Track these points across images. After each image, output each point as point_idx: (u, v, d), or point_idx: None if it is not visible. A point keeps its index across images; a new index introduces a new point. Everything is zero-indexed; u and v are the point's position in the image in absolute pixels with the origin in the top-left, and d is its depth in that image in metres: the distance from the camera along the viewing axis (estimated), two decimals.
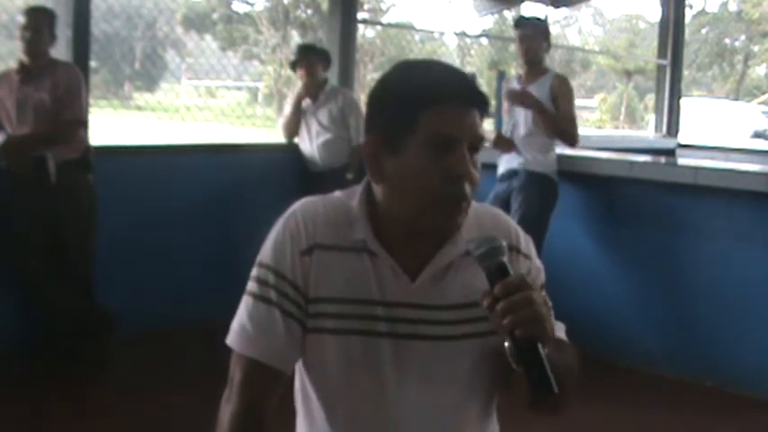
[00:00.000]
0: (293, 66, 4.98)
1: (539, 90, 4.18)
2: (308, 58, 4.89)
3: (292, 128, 5.00)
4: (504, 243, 1.26)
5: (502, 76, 4.84)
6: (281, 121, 5.13)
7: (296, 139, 5.03)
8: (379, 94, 1.34)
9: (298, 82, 5.01)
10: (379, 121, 1.32)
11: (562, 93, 4.20)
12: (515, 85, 4.30)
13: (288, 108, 5.07)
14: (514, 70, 4.47)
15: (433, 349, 1.33)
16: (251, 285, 1.35)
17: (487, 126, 6.13)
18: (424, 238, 1.33)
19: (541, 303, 1.22)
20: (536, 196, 4.16)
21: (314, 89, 4.89)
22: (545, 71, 4.28)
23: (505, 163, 4.30)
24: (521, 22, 4.49)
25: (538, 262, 1.43)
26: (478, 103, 1.30)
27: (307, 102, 4.94)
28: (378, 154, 1.30)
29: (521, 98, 4.16)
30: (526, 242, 1.42)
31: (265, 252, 1.35)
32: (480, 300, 1.23)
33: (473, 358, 1.34)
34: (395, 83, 1.33)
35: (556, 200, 4.23)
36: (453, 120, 1.27)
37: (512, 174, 4.26)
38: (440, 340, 1.34)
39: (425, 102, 1.27)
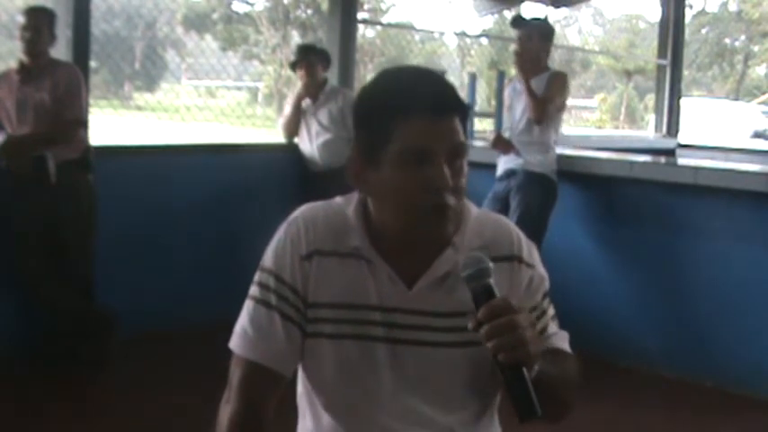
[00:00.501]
0: (293, 66, 4.98)
1: (536, 86, 4.17)
2: (308, 58, 4.89)
3: (292, 128, 5.00)
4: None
5: (502, 75, 4.84)
6: (281, 121, 5.13)
7: (296, 139, 5.03)
8: (357, 107, 1.33)
9: (298, 82, 5.00)
10: (360, 135, 1.31)
11: (551, 82, 4.18)
12: (517, 86, 4.29)
13: (288, 108, 5.07)
14: (515, 70, 4.43)
15: (430, 355, 1.33)
16: (253, 289, 1.36)
17: (488, 126, 6.14)
18: (419, 246, 1.32)
19: (526, 326, 1.21)
20: (535, 196, 4.15)
21: (314, 89, 4.89)
22: (545, 69, 4.26)
23: (504, 163, 4.30)
24: (517, 22, 4.44)
25: (541, 270, 1.41)
26: (452, 108, 1.27)
27: (307, 102, 4.93)
28: (360, 168, 1.30)
29: (500, 145, 4.23)
30: (529, 250, 1.40)
31: (267, 257, 1.36)
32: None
33: (470, 365, 1.34)
34: (368, 96, 1.32)
35: (555, 200, 4.23)
36: (425, 131, 1.24)
37: (510, 174, 4.25)
38: (437, 347, 1.33)
39: (395, 115, 1.25)
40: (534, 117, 4.15)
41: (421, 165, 1.24)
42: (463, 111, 1.28)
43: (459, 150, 1.27)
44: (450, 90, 1.29)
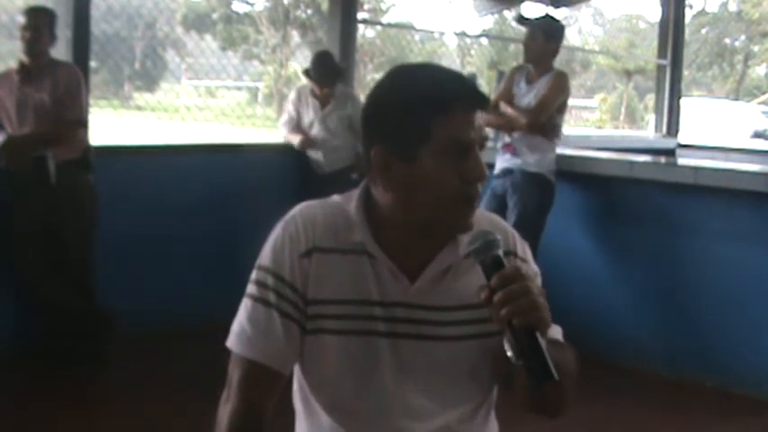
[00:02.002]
0: (307, 74, 4.94)
1: (538, 89, 4.15)
2: (331, 80, 4.84)
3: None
4: (499, 236, 1.28)
5: (502, 76, 4.83)
6: (295, 140, 5.02)
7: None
8: (384, 104, 1.33)
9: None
10: (388, 131, 1.31)
11: (551, 83, 4.14)
12: (522, 83, 4.25)
13: (295, 140, 4.97)
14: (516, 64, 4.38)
15: (432, 349, 1.34)
16: (250, 288, 1.36)
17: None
18: (424, 240, 1.34)
19: (538, 293, 1.23)
20: (532, 197, 4.13)
21: (326, 97, 4.89)
22: (550, 69, 4.21)
23: (502, 162, 4.26)
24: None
25: (535, 267, 1.44)
26: (482, 102, 1.32)
27: (315, 105, 4.92)
28: (389, 163, 1.30)
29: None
30: (523, 247, 1.44)
31: (265, 255, 1.36)
32: (477, 293, 1.24)
33: (472, 359, 1.35)
34: (399, 92, 1.33)
35: (552, 201, 4.21)
36: (464, 124, 1.29)
37: (507, 172, 4.23)
38: (439, 341, 1.34)
39: (436, 110, 1.28)
40: (525, 124, 4.10)
41: (461, 158, 1.28)
42: (486, 105, 1.34)
43: (484, 143, 1.32)
44: (474, 83, 1.37)
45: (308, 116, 4.96)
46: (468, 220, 1.31)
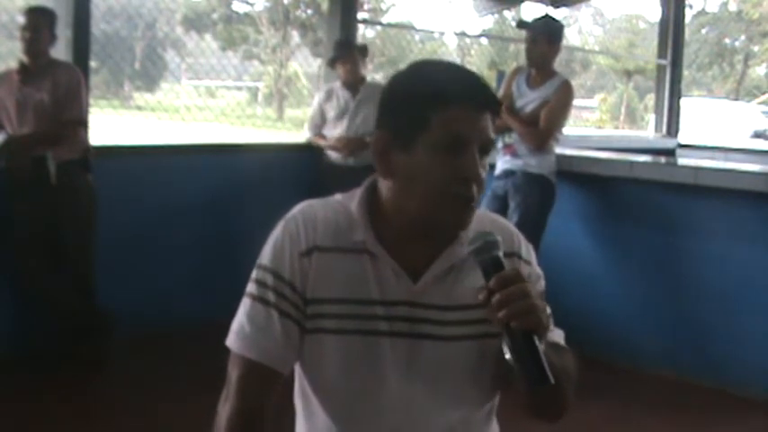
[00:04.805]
0: (332, 62, 4.94)
1: (542, 95, 4.14)
2: (352, 53, 4.84)
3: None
4: (499, 237, 1.27)
5: (502, 75, 4.82)
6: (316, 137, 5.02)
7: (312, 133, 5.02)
8: (392, 92, 1.34)
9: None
10: (391, 119, 1.33)
11: (557, 96, 4.11)
12: (523, 83, 4.25)
13: (321, 141, 4.97)
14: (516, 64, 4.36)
15: (433, 349, 1.34)
16: (250, 287, 1.36)
17: None
18: (427, 239, 1.33)
19: (537, 296, 1.23)
20: (534, 198, 4.13)
21: (355, 84, 4.86)
22: (552, 74, 4.18)
23: (503, 163, 4.26)
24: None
25: (538, 269, 1.44)
26: (491, 105, 1.31)
27: (346, 95, 4.88)
28: (388, 150, 1.31)
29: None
30: (527, 248, 1.43)
31: (265, 254, 1.36)
32: (476, 294, 1.24)
33: (473, 359, 1.35)
34: (408, 82, 1.34)
35: (553, 201, 4.20)
36: (466, 121, 1.28)
37: (508, 174, 4.22)
38: (440, 340, 1.34)
39: (439, 102, 1.28)
40: (534, 146, 4.10)
41: (456, 154, 1.27)
42: (496, 109, 1.32)
43: (488, 146, 1.31)
44: (487, 86, 1.32)
45: (333, 111, 4.91)
46: (461, 219, 1.30)
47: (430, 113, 1.27)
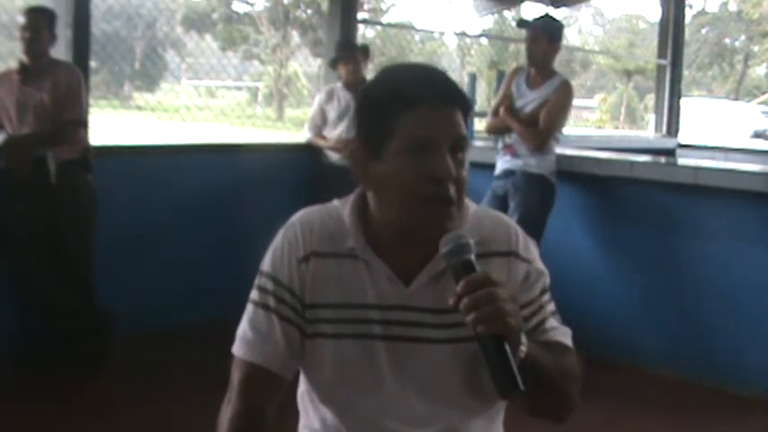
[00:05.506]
0: (334, 62, 4.94)
1: (542, 95, 4.13)
2: (354, 54, 4.85)
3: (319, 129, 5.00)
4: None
5: (502, 75, 4.82)
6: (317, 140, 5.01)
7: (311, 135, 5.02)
8: (362, 100, 1.35)
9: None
10: (362, 128, 1.33)
11: (557, 96, 4.10)
12: (523, 83, 4.25)
13: (322, 142, 4.96)
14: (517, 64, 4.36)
15: (429, 352, 1.34)
16: (253, 293, 1.39)
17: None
18: (417, 243, 1.32)
19: (506, 299, 1.21)
20: (534, 198, 4.12)
21: (357, 85, 4.84)
22: (552, 74, 4.17)
23: (503, 163, 4.26)
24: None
25: (539, 265, 1.41)
26: (457, 102, 1.29)
27: (347, 95, 4.87)
28: (363, 159, 1.31)
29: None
30: (526, 245, 1.40)
31: (265, 261, 1.38)
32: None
33: (469, 361, 1.33)
34: (373, 88, 1.35)
35: (553, 201, 4.20)
36: (428, 122, 1.26)
37: (508, 173, 4.22)
38: (435, 343, 1.34)
39: (399, 106, 1.27)
40: (534, 146, 4.10)
41: (423, 154, 1.26)
42: (465, 104, 1.30)
43: (460, 143, 1.29)
44: (451, 83, 1.31)
45: (334, 112, 4.91)
46: (438, 222, 1.27)
47: (392, 119, 1.26)
